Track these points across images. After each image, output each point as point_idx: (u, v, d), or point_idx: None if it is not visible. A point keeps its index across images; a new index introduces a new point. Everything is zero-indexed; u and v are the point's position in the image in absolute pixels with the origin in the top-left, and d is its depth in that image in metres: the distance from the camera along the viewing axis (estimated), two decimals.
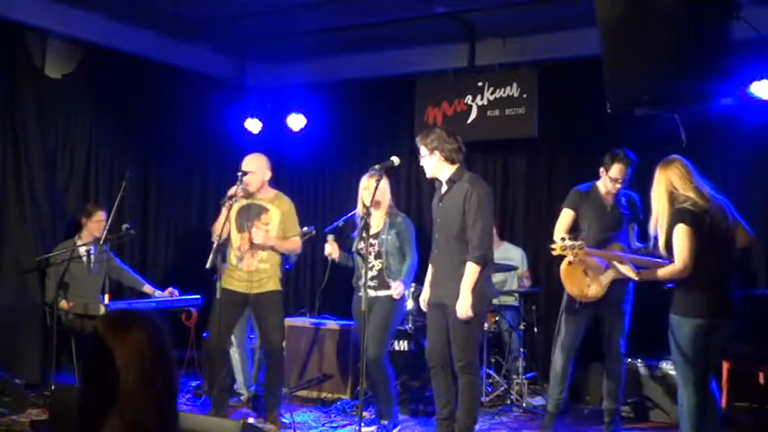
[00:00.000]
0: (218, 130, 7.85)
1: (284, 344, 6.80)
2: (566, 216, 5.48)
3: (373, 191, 5.02)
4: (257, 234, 5.37)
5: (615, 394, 5.39)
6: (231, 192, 5.39)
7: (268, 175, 5.52)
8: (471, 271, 4.68)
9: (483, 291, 4.78)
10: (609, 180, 5.34)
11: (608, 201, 5.42)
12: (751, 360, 5.54)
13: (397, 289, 5.33)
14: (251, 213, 5.46)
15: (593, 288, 5.37)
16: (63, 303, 6.09)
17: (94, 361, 1.72)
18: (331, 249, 5.51)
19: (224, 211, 5.38)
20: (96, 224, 6.39)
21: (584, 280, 5.39)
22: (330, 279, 8.23)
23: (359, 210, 5.42)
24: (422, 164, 4.95)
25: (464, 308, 4.66)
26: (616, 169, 5.30)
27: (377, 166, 4.95)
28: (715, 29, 4.69)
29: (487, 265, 4.77)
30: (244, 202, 5.44)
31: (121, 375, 1.70)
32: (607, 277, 5.30)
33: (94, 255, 6.42)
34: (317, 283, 8.47)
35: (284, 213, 5.53)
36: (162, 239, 7.81)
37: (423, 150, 4.87)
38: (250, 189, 5.41)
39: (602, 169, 5.41)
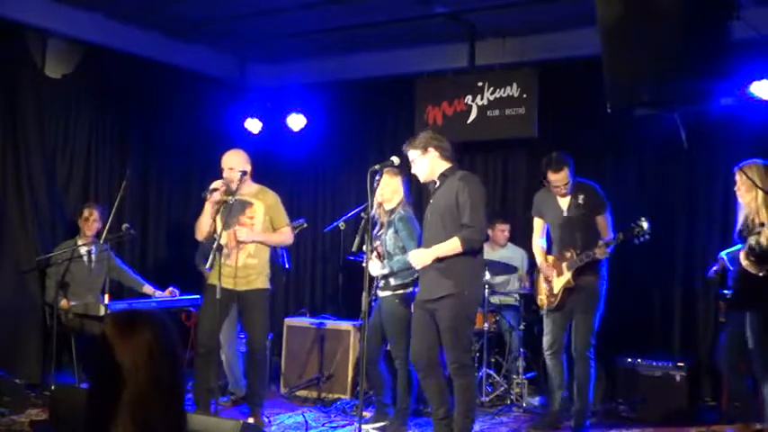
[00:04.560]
0: (218, 130, 7.83)
1: (284, 344, 6.84)
2: (536, 224, 5.67)
3: (373, 189, 5.01)
4: (241, 231, 5.37)
5: (582, 394, 5.41)
6: (215, 185, 5.39)
7: (248, 168, 5.53)
8: (451, 244, 4.62)
9: (473, 292, 4.78)
10: (552, 187, 5.44)
11: (564, 202, 5.48)
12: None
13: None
14: (235, 209, 5.45)
15: (545, 295, 5.51)
16: (63, 302, 6.09)
17: (103, 362, 1.72)
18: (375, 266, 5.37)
19: (207, 206, 5.40)
20: (92, 223, 6.39)
21: (541, 288, 5.56)
22: (330, 279, 8.29)
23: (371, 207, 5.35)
24: (414, 171, 4.87)
25: (419, 259, 4.68)
26: (552, 177, 5.39)
27: (377, 166, 4.94)
28: (715, 29, 4.69)
29: (475, 254, 4.73)
30: (231, 199, 5.41)
31: (132, 376, 1.69)
32: (558, 284, 5.41)
33: (95, 254, 6.43)
34: (317, 282, 8.48)
35: (269, 206, 5.52)
36: (162, 239, 7.80)
37: (413, 153, 4.81)
38: (233, 186, 5.41)
39: (544, 180, 5.50)
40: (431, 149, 4.76)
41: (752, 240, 4.61)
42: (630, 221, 5.24)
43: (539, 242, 5.66)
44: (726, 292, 5.27)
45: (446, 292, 4.66)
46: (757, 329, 4.82)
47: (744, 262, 4.69)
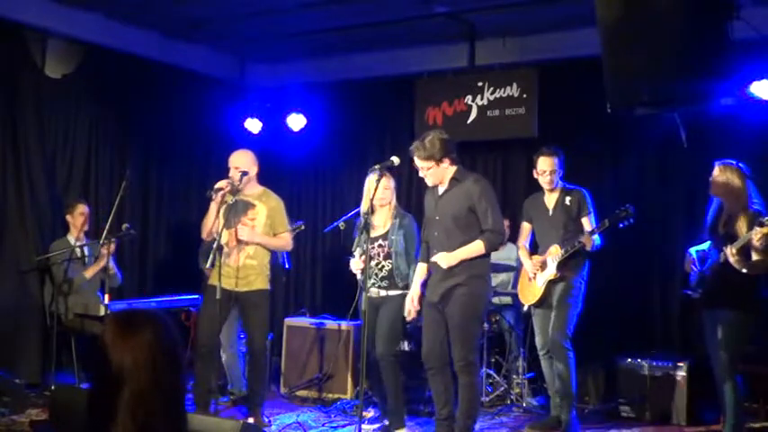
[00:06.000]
0: (218, 130, 7.84)
1: (284, 344, 6.84)
2: (523, 228, 5.78)
3: (374, 190, 5.01)
4: (242, 230, 5.37)
5: (563, 384, 5.42)
6: (219, 185, 5.40)
7: (254, 170, 5.54)
8: (476, 246, 4.67)
9: (483, 291, 4.78)
10: (539, 176, 5.54)
11: (549, 204, 5.58)
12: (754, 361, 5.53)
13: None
14: (238, 210, 5.44)
15: (531, 291, 5.61)
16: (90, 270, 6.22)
17: (104, 362, 1.72)
18: (362, 266, 5.31)
19: (213, 206, 5.40)
20: (80, 217, 6.41)
21: (525, 284, 5.69)
22: (330, 279, 8.29)
23: (363, 208, 5.36)
24: (424, 175, 4.81)
25: (447, 260, 4.70)
26: (541, 162, 5.51)
27: (377, 166, 4.94)
28: (715, 29, 4.69)
29: (489, 254, 4.77)
30: (231, 198, 5.42)
31: (133, 376, 1.69)
32: (542, 278, 5.51)
33: (89, 256, 6.43)
34: (317, 282, 8.49)
35: (271, 209, 5.52)
36: (162, 239, 7.80)
37: (426, 164, 4.74)
38: (239, 186, 5.42)
39: (534, 171, 5.61)
40: (445, 160, 4.73)
41: (756, 235, 4.59)
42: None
43: (523, 244, 5.77)
44: (690, 292, 5.18)
45: (457, 291, 4.68)
46: (730, 327, 4.80)
47: (733, 258, 4.67)
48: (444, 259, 4.73)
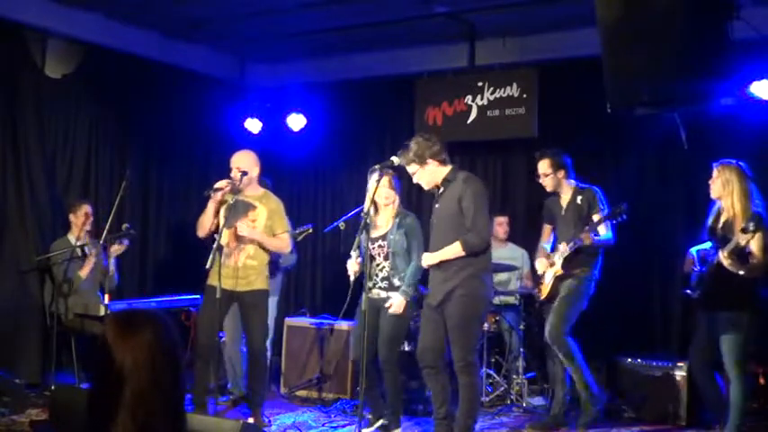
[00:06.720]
0: (218, 130, 7.84)
1: (284, 344, 6.84)
2: (544, 230, 5.89)
3: (374, 189, 5.01)
4: (242, 227, 5.36)
5: (577, 378, 5.45)
6: (219, 185, 5.39)
7: (256, 171, 5.53)
8: (454, 248, 4.65)
9: (482, 292, 4.77)
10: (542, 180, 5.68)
11: (563, 203, 5.67)
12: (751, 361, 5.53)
13: (396, 303, 5.21)
14: (238, 210, 5.44)
15: (543, 287, 5.73)
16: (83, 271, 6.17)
17: (104, 362, 1.72)
18: (356, 269, 5.28)
19: (210, 205, 5.40)
20: (83, 218, 6.40)
21: (542, 281, 5.79)
22: (330, 279, 8.30)
23: (365, 208, 5.33)
24: (416, 181, 4.84)
25: (427, 260, 4.77)
26: (538, 166, 5.65)
27: (377, 166, 4.94)
28: (715, 29, 4.69)
29: (478, 256, 4.72)
30: (231, 198, 5.41)
31: (133, 376, 1.69)
32: (550, 274, 5.62)
33: (89, 254, 6.43)
34: (317, 282, 8.49)
35: (271, 211, 5.52)
36: (162, 239, 7.81)
37: (412, 167, 4.77)
38: (239, 186, 5.42)
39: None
40: (429, 161, 4.73)
41: (742, 240, 4.60)
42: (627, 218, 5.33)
43: (542, 245, 5.84)
44: (689, 291, 5.19)
45: (455, 293, 4.67)
46: (732, 330, 4.80)
47: (726, 261, 4.68)
48: (426, 258, 4.81)
